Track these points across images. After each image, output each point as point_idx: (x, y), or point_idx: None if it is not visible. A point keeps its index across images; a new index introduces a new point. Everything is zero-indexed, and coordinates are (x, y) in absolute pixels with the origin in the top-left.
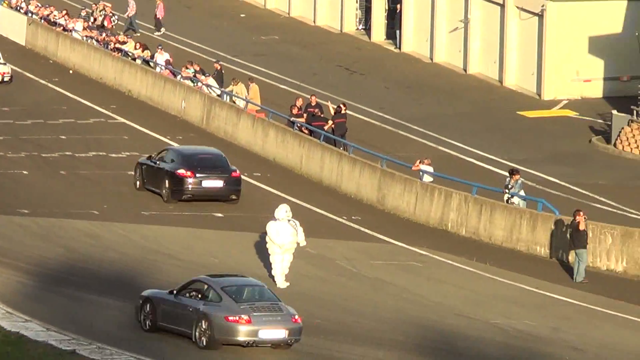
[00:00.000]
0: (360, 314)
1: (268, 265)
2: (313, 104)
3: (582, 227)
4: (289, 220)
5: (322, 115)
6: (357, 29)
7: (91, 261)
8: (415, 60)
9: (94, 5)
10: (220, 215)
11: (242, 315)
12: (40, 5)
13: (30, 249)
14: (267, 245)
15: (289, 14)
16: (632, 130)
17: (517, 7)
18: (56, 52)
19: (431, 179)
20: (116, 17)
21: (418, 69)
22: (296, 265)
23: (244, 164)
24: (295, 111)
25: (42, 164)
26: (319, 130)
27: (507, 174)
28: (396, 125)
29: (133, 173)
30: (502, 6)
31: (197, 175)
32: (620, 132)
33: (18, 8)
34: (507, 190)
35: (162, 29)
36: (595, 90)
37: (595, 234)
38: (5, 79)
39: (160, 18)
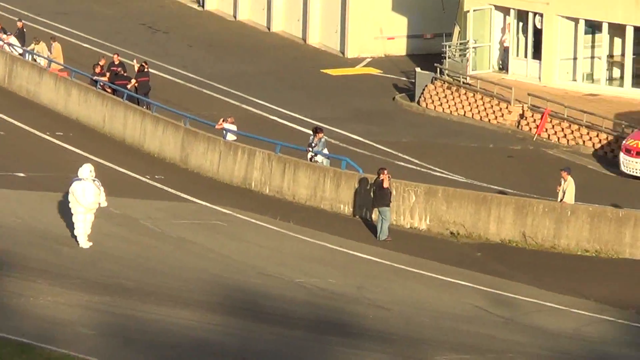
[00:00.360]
0: (164, 274)
1: (71, 225)
2: (116, 62)
3: (385, 185)
4: (93, 180)
5: (125, 74)
6: None
7: None
8: (219, 19)
9: None
10: (22, 175)
11: None
12: None
13: None
14: (71, 205)
15: None
16: (435, 87)
17: None
18: None
19: (235, 138)
20: None
21: (222, 27)
22: (99, 225)
23: (47, 123)
24: (98, 70)
25: None
26: (122, 89)
27: (310, 132)
28: (200, 84)
29: None
30: None
31: None
32: (423, 89)
33: None
34: (310, 149)
35: None
36: (399, 47)
37: (399, 192)
38: None
39: None
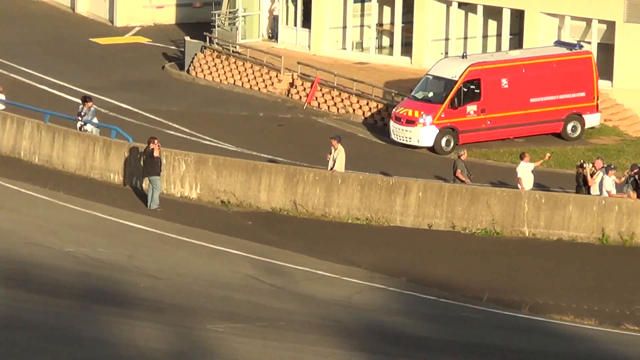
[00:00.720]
0: None
1: None
2: None
3: (156, 154)
4: None
5: None
6: None
7: None
8: None
9: None
10: None
11: None
12: None
13: None
14: None
15: None
16: (205, 56)
17: None
18: None
19: (3, 107)
20: None
21: None
22: None
23: None
24: None
25: None
26: None
27: (80, 101)
28: None
29: None
30: None
31: None
32: (193, 58)
33: None
34: (80, 118)
35: None
36: (168, 16)
37: (169, 160)
38: None
39: None
